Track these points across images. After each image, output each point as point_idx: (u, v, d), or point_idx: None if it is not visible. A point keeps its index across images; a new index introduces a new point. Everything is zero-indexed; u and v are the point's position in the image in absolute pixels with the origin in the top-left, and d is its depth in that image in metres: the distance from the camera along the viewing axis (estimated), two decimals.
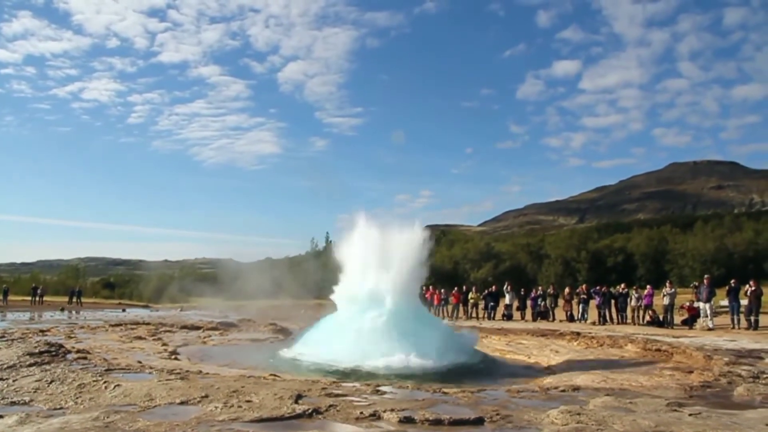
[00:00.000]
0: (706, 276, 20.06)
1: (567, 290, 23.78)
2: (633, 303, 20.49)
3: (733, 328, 17.20)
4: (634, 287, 22.58)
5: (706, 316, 17.84)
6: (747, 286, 17.70)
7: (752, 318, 17.07)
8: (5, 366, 7.95)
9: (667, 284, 20.42)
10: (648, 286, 21.53)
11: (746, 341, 13.83)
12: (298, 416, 5.45)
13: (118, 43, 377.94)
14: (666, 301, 19.35)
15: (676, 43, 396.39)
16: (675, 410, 5.93)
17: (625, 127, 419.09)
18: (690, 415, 5.68)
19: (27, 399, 6.12)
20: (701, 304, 18.26)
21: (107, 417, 5.24)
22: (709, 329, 17.12)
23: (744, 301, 17.95)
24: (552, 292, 24.23)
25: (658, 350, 12.57)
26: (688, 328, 18.06)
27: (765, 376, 8.49)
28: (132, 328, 17.45)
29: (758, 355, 11.17)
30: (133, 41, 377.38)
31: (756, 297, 17.31)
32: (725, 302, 21.75)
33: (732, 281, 18.22)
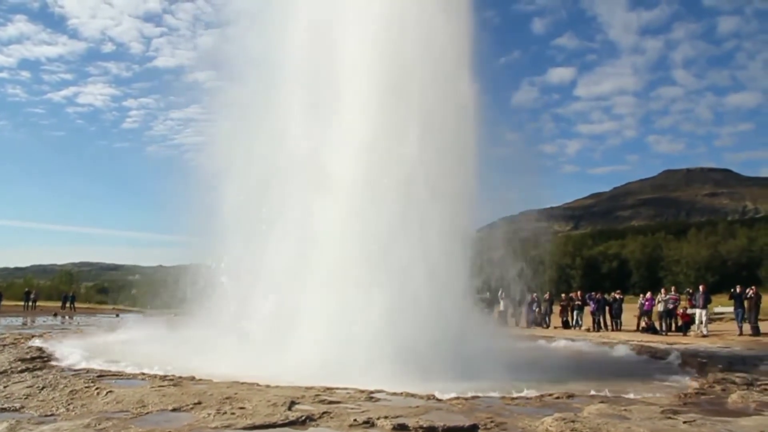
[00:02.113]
0: (701, 284, 20.09)
1: (563, 297, 23.74)
2: (660, 308, 19.64)
3: (741, 334, 17.19)
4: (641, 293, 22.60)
5: (701, 323, 17.87)
6: (749, 290, 17.74)
7: (752, 324, 17.11)
8: None
9: (662, 291, 20.47)
10: (648, 293, 21.47)
11: (740, 348, 13.88)
12: (292, 423, 5.42)
13: (114, 47, 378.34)
14: (660, 307, 19.38)
15: (671, 51, 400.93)
16: (669, 417, 5.92)
17: (620, 134, 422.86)
18: (684, 422, 5.67)
19: (18, 405, 6.05)
20: (697, 311, 18.29)
21: (99, 424, 5.19)
22: (703, 336, 17.15)
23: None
24: (547, 298, 24.22)
25: (653, 357, 12.58)
26: (682, 334, 18.10)
27: (759, 383, 8.50)
28: None
29: (752, 362, 11.21)
30: (128, 46, 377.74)
31: (756, 303, 17.36)
32: (719, 309, 21.87)
33: (737, 288, 18.16)
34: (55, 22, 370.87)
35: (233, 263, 12.99)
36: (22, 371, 8.19)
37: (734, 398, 7.28)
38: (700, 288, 18.74)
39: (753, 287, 18.18)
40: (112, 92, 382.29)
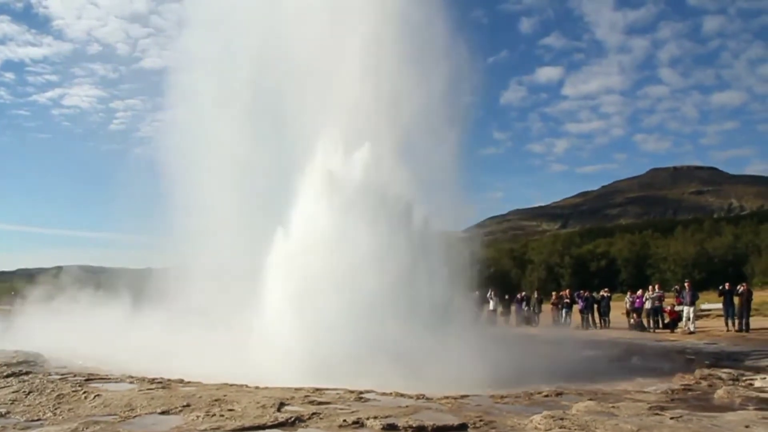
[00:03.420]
0: (687, 281, 20.22)
1: (554, 296, 23.77)
2: (648, 306, 19.67)
3: (729, 330, 17.34)
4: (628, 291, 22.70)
5: (688, 320, 18.01)
6: (740, 286, 17.89)
7: (743, 321, 17.27)
8: None
9: (650, 288, 20.60)
10: (639, 290, 21.58)
11: (726, 344, 14.02)
12: (281, 425, 5.40)
13: (100, 48, 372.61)
14: (648, 305, 19.51)
15: (657, 50, 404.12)
16: (657, 414, 5.98)
17: (607, 132, 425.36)
18: (671, 418, 5.73)
19: (3, 411, 5.98)
20: (684, 308, 18.42)
21: (86, 428, 5.15)
22: (691, 332, 17.29)
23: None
24: (536, 297, 24.31)
25: (641, 354, 12.67)
26: (669, 331, 18.24)
27: (745, 378, 8.61)
28: None
29: (738, 358, 11.33)
30: (114, 47, 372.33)
31: (747, 300, 17.52)
32: (706, 306, 22.05)
33: (727, 285, 18.25)
34: (39, 23, 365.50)
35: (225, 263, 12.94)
36: (7, 376, 8.08)
37: (720, 394, 7.36)
38: (686, 285, 18.89)
39: (744, 284, 18.34)
40: (98, 94, 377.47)
